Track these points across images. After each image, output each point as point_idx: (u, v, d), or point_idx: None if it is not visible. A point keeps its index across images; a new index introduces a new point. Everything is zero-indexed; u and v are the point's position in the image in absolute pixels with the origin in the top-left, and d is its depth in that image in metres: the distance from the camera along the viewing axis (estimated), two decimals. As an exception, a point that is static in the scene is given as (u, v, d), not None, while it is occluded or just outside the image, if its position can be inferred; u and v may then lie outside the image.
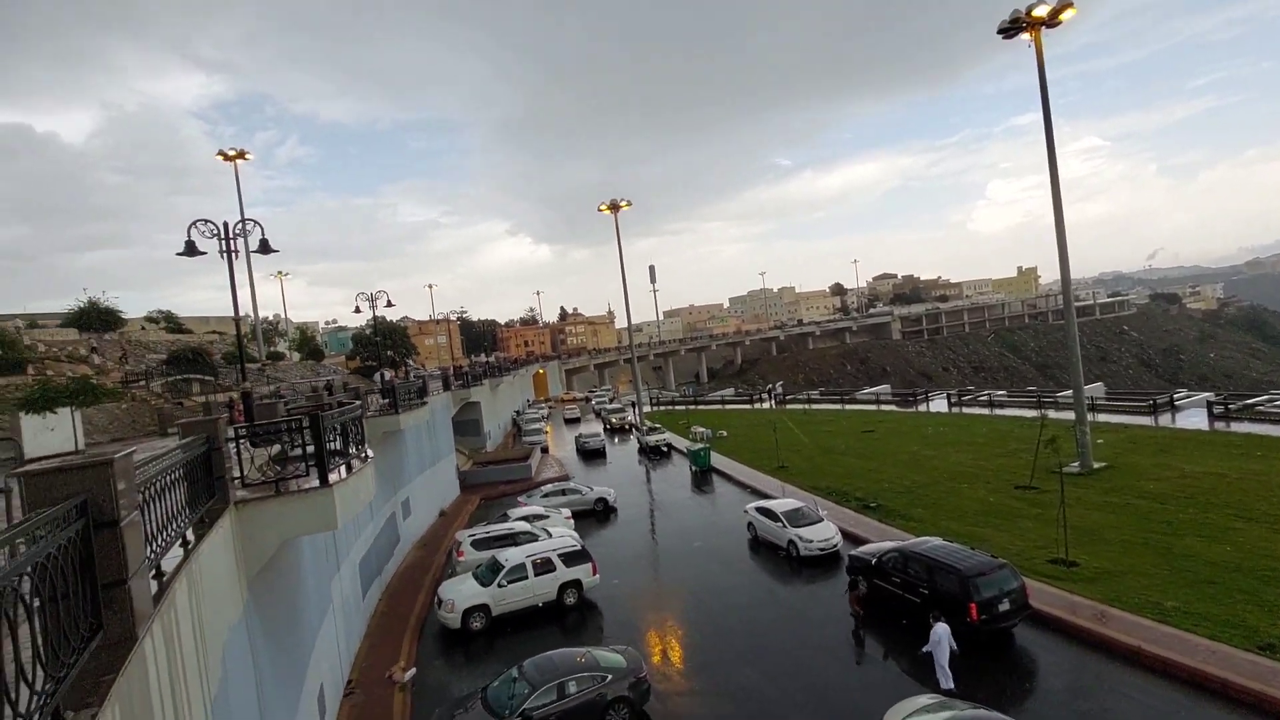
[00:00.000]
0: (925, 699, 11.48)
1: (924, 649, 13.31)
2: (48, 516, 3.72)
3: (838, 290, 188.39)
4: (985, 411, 42.80)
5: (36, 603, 3.31)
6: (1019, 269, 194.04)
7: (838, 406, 55.48)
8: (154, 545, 5.52)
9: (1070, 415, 28.80)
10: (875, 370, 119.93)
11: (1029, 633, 14.87)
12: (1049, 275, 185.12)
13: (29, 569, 3.27)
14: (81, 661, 3.84)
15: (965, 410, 44.67)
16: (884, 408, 51.36)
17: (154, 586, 5.47)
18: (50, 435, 22.52)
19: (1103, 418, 35.00)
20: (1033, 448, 24.61)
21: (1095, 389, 43.09)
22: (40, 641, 3.28)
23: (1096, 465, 25.61)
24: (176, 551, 6.34)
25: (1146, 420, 33.99)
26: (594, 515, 29.39)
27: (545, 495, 30.07)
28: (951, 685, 12.82)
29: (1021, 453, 28.06)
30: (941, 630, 13.18)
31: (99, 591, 4.28)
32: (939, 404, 48.85)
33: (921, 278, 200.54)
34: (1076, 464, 25.46)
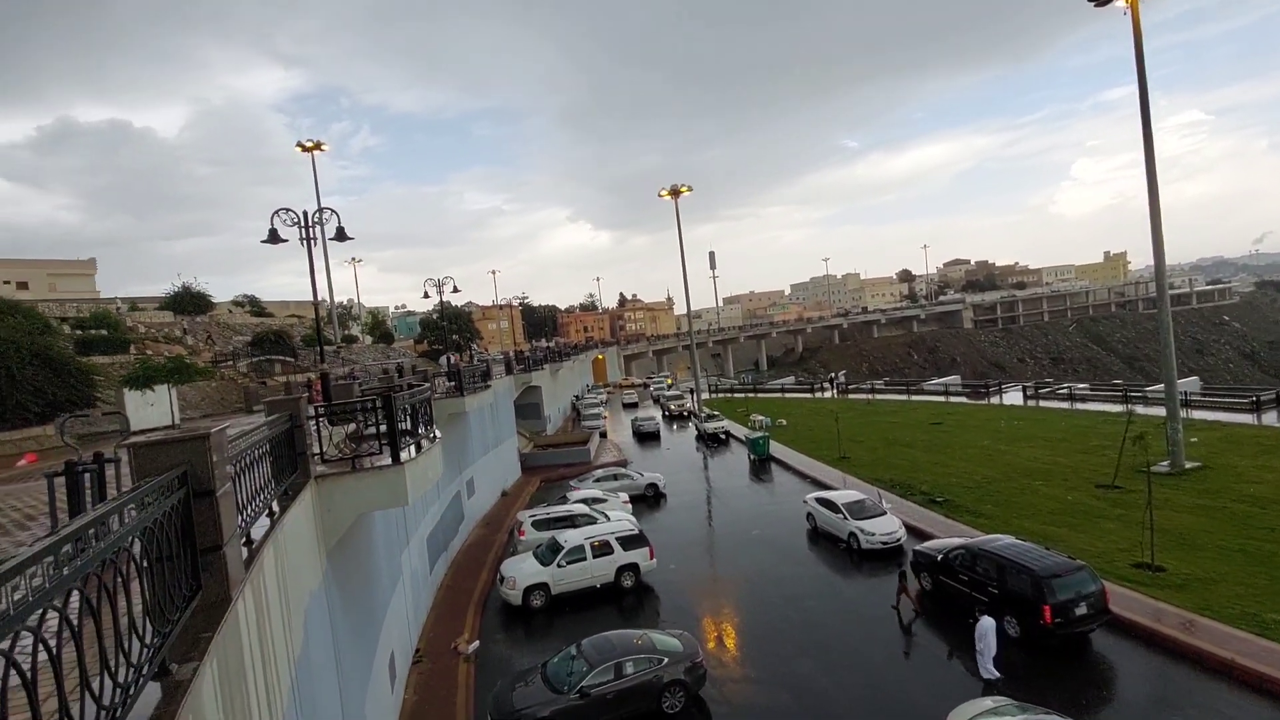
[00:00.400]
0: (990, 701, 11.11)
1: (978, 647, 13.31)
2: (154, 485, 4.03)
3: (905, 277, 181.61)
4: (1065, 405, 40.58)
5: (145, 563, 3.61)
6: (1106, 254, 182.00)
7: (903, 397, 53.83)
8: (244, 515, 5.91)
9: (1160, 411, 27.00)
10: (944, 360, 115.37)
11: (1108, 639, 14.13)
12: (1139, 261, 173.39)
13: (139, 532, 3.56)
14: (184, 619, 4.17)
15: (1043, 403, 42.55)
16: (953, 399, 49.47)
17: (244, 553, 5.86)
18: (150, 410, 24.44)
19: (1197, 414, 32.67)
20: (1117, 445, 23.18)
21: (1189, 383, 40.26)
22: (148, 599, 3.58)
23: (1189, 465, 23.92)
24: (264, 521, 6.77)
25: (1248, 418, 31.46)
26: (645, 500, 29.66)
27: (597, 480, 30.59)
28: (998, 675, 12.78)
29: (1104, 450, 26.51)
30: (987, 624, 13.19)
31: (198, 556, 4.63)
32: (1013, 396, 46.72)
33: (997, 264, 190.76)
34: (1166, 463, 23.86)
